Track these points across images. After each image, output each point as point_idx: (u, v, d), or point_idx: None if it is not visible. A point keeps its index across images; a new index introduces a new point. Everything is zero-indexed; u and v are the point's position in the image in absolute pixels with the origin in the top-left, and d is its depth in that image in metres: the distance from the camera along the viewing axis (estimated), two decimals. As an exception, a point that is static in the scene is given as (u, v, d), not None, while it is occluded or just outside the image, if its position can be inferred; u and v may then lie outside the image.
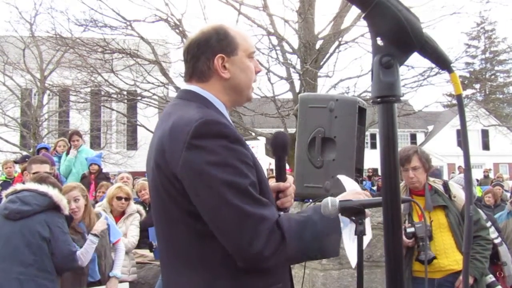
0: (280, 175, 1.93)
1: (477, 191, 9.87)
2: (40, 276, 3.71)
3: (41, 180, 4.02)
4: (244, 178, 1.56)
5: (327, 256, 1.76)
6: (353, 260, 1.84)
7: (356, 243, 1.76)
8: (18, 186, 3.96)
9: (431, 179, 3.96)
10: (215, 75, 1.77)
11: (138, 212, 5.65)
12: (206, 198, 1.55)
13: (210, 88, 1.77)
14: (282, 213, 1.61)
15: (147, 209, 6.60)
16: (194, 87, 1.79)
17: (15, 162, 9.66)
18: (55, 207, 3.86)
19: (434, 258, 3.64)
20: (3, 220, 3.73)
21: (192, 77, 1.80)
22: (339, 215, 1.67)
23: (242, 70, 1.79)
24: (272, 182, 1.92)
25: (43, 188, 3.87)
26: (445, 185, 3.97)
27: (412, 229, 3.65)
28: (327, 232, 1.65)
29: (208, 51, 1.76)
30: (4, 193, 4.08)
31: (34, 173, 4.84)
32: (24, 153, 18.09)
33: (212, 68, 1.76)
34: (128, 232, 5.41)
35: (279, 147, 1.92)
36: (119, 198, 5.44)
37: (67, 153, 8.45)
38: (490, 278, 4.34)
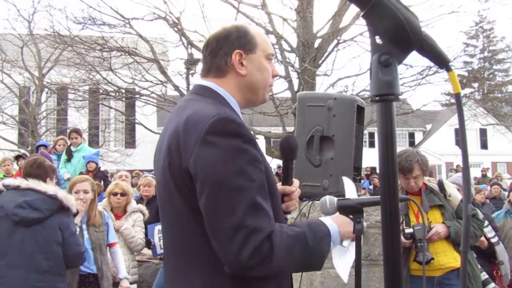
0: (287, 179, 1.92)
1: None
2: (54, 280, 3.72)
3: (39, 176, 3.90)
4: (252, 182, 1.55)
5: (311, 270, 1.76)
6: (344, 276, 1.84)
7: (345, 262, 1.75)
8: (22, 183, 3.78)
9: (425, 178, 3.97)
10: (232, 71, 1.77)
11: (141, 212, 5.64)
12: (209, 196, 1.54)
13: (225, 85, 1.77)
14: (276, 224, 1.60)
15: (145, 206, 6.61)
16: (210, 83, 1.78)
17: (16, 157, 9.70)
18: (63, 207, 3.80)
19: (432, 259, 3.65)
20: (12, 226, 3.61)
21: (209, 72, 1.80)
22: (331, 235, 1.67)
23: (259, 69, 1.79)
24: (278, 185, 1.91)
25: (51, 190, 3.77)
26: (440, 184, 3.98)
27: (410, 230, 3.65)
28: (317, 251, 1.64)
29: (227, 47, 1.76)
30: (2, 182, 3.94)
31: None
32: (22, 151, 18.05)
33: (229, 63, 1.76)
34: (136, 234, 5.42)
35: (287, 150, 1.90)
36: (114, 194, 5.45)
37: (67, 151, 8.44)
38: (484, 275, 4.35)
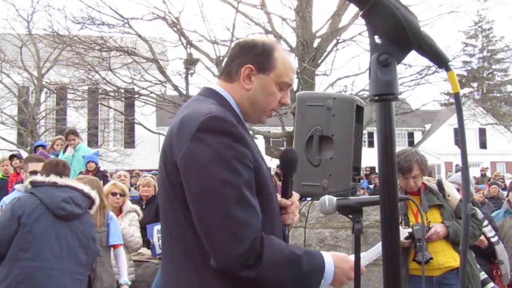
0: (286, 192, 1.90)
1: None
2: (87, 275, 3.91)
3: (67, 175, 4.01)
4: (239, 178, 1.56)
5: None
6: None
7: None
8: (58, 180, 3.84)
9: (424, 178, 3.97)
10: (239, 80, 1.80)
11: (135, 212, 5.63)
12: (196, 191, 1.57)
13: (230, 90, 1.81)
14: (272, 237, 1.60)
15: (144, 207, 6.61)
16: (216, 87, 1.83)
17: (10, 157, 9.65)
18: (91, 206, 3.97)
19: (431, 258, 3.65)
20: (53, 219, 3.68)
21: (222, 74, 1.86)
22: (325, 272, 1.64)
23: (263, 91, 1.80)
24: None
25: (86, 188, 3.92)
26: (439, 184, 3.98)
27: (409, 230, 3.65)
28: (307, 282, 1.62)
29: (244, 57, 1.80)
30: (31, 178, 4.00)
31: (31, 172, 4.80)
32: (21, 151, 18.02)
33: (239, 73, 1.79)
34: (134, 233, 5.39)
35: (287, 164, 1.90)
36: (114, 194, 5.43)
37: (65, 151, 8.43)
38: (483, 275, 4.35)
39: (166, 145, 1.68)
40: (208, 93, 1.82)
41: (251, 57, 1.79)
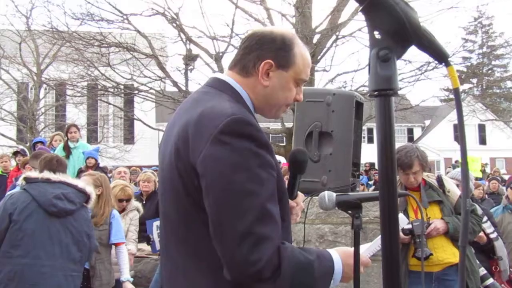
0: (292, 193, 1.86)
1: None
2: (81, 271, 3.90)
3: (63, 171, 3.99)
4: (262, 188, 1.48)
5: None
6: None
7: None
8: (51, 176, 3.83)
9: (424, 174, 3.97)
10: (256, 75, 1.70)
11: (137, 209, 5.62)
12: (216, 198, 1.48)
13: (245, 85, 1.71)
14: (287, 243, 1.55)
15: (144, 202, 6.61)
16: (229, 79, 1.72)
17: (14, 153, 9.66)
18: (87, 202, 3.96)
19: (431, 254, 3.65)
20: (45, 216, 3.68)
21: (235, 67, 1.74)
22: (334, 274, 1.64)
23: (282, 88, 1.72)
24: None
25: (80, 184, 3.92)
26: (439, 180, 3.98)
27: (409, 226, 3.65)
28: (321, 284, 1.60)
29: (263, 51, 1.69)
30: (25, 174, 4.03)
31: None
32: (21, 147, 18.01)
33: (257, 68, 1.69)
34: (128, 234, 5.38)
35: (296, 164, 1.84)
36: (120, 200, 5.41)
37: (64, 148, 8.40)
38: (483, 271, 4.36)
39: (179, 142, 1.56)
40: (221, 85, 1.70)
41: (271, 51, 1.68)
